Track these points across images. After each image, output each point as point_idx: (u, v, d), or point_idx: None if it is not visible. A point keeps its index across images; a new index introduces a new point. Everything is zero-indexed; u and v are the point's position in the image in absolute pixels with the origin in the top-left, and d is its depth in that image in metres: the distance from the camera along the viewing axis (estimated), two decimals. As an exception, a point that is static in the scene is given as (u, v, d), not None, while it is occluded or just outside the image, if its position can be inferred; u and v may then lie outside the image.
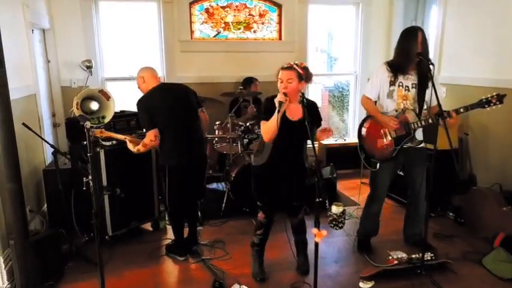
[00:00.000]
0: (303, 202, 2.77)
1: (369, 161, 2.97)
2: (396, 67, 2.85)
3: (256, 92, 4.53)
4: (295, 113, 2.52)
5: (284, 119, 2.46)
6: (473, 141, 4.09)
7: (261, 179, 2.70)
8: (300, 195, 2.74)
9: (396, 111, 2.87)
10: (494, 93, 2.51)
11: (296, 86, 2.46)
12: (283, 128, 2.41)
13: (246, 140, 4.06)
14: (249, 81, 4.69)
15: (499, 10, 3.71)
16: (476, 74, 3.98)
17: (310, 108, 2.51)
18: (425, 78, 2.82)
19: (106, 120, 2.11)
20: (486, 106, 2.52)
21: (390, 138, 2.87)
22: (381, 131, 2.92)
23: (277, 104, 2.35)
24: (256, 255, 2.85)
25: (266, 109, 2.53)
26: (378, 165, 2.94)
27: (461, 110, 2.59)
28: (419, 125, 2.77)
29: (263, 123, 2.53)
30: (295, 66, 2.47)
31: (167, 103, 2.83)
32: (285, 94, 2.39)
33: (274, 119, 2.37)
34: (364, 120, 3.06)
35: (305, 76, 2.50)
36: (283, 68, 2.49)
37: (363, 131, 3.04)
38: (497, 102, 2.50)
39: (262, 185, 2.71)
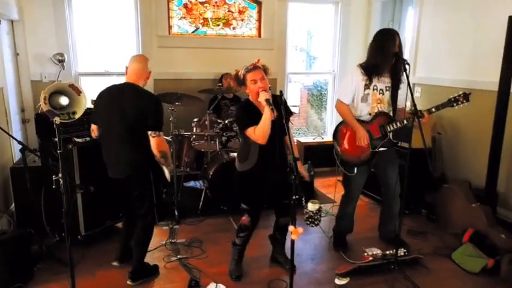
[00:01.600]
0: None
1: (346, 165, 2.96)
2: (371, 69, 2.83)
3: (232, 88, 4.48)
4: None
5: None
6: (445, 140, 4.21)
7: (250, 182, 2.64)
8: (288, 192, 2.72)
9: (370, 114, 2.91)
10: (461, 92, 2.65)
11: (267, 82, 2.52)
12: None
13: (224, 138, 4.02)
14: (221, 77, 4.66)
15: (473, 13, 3.82)
16: (450, 75, 4.08)
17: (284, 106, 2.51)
18: (397, 80, 2.88)
19: (77, 116, 2.03)
20: (454, 104, 2.67)
21: (366, 143, 2.90)
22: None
23: (265, 103, 2.38)
24: (236, 253, 2.82)
25: (248, 115, 2.52)
26: (355, 169, 2.94)
27: (433, 109, 2.72)
28: (394, 127, 2.83)
29: (253, 129, 2.46)
30: (259, 64, 2.55)
31: (108, 107, 2.54)
32: (265, 91, 2.44)
33: (267, 116, 2.39)
34: (339, 126, 3.03)
35: (266, 71, 2.57)
36: (252, 69, 2.51)
37: (339, 136, 3.00)
38: (464, 101, 2.65)
39: (252, 189, 2.65)
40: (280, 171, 2.61)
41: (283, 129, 2.37)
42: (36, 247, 2.89)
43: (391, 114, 2.94)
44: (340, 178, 3.29)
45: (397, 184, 3.02)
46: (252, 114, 2.52)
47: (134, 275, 2.68)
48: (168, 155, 2.59)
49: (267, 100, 2.39)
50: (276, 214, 2.83)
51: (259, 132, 2.45)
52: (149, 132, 2.47)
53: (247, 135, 2.53)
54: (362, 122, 2.90)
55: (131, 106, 2.47)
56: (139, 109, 2.47)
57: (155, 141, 2.48)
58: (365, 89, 2.86)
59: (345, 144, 2.97)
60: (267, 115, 2.40)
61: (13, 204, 3.31)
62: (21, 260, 2.66)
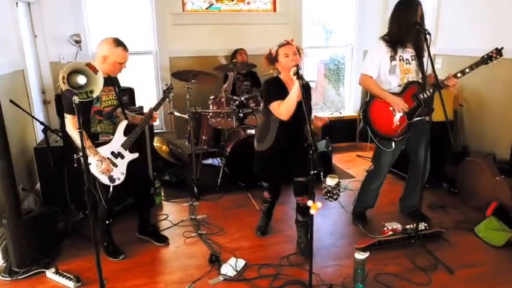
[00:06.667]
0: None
1: (382, 141, 2.87)
2: (395, 40, 2.75)
3: (248, 64, 4.42)
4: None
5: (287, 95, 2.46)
6: (467, 112, 4.08)
7: (267, 161, 2.69)
8: (306, 171, 2.70)
9: (399, 86, 2.82)
10: (493, 49, 2.59)
11: (299, 58, 2.52)
12: None
13: (241, 115, 4.01)
14: (234, 52, 4.62)
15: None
16: (473, 45, 3.91)
17: (306, 86, 2.54)
18: (421, 49, 2.79)
19: (95, 95, 2.03)
20: (489, 62, 2.61)
21: (402, 114, 2.81)
22: (391, 108, 2.82)
23: (294, 77, 2.32)
24: (264, 211, 3.03)
25: (275, 90, 2.54)
26: (393, 144, 2.86)
27: (467, 70, 2.65)
28: (428, 94, 2.75)
29: (278, 103, 2.47)
30: (292, 43, 2.56)
31: None
32: (297, 66, 2.39)
33: (295, 92, 2.36)
34: (369, 102, 2.89)
35: (299, 51, 2.57)
36: (285, 44, 2.53)
37: (371, 112, 2.86)
38: (498, 56, 2.58)
39: (269, 167, 2.71)
40: (298, 150, 2.62)
41: (308, 110, 2.28)
42: (61, 224, 2.99)
43: (420, 82, 2.83)
44: (360, 153, 3.24)
45: (427, 157, 2.93)
46: (279, 89, 2.52)
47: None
48: (74, 139, 2.43)
49: (296, 73, 2.31)
50: (294, 191, 2.80)
51: (284, 107, 2.44)
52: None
53: (271, 110, 2.52)
54: (393, 94, 2.80)
55: None
56: None
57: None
58: (391, 61, 2.78)
59: (381, 119, 2.84)
60: (296, 91, 2.36)
61: (38, 184, 3.41)
62: (48, 236, 2.75)
